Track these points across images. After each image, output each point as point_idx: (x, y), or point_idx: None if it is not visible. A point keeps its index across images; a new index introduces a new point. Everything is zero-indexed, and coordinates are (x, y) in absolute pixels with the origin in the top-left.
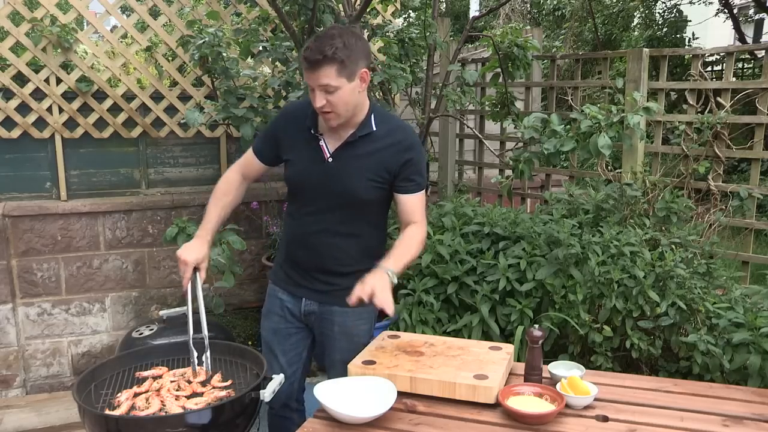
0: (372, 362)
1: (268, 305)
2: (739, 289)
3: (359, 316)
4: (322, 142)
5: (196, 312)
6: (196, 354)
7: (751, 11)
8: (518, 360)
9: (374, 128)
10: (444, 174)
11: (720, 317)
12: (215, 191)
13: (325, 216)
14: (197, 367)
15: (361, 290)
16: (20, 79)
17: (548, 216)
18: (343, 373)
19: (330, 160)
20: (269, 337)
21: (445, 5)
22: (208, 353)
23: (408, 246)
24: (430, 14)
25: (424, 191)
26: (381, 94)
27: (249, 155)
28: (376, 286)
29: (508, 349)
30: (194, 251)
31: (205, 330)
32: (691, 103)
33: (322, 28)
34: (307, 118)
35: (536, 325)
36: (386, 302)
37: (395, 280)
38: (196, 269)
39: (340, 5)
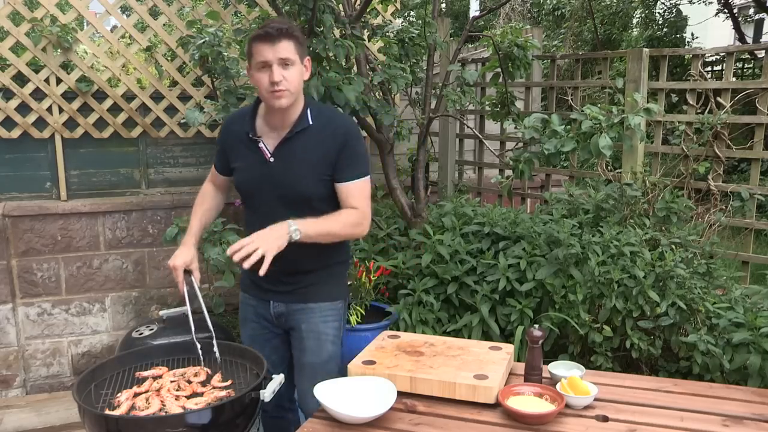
0: (372, 362)
1: (242, 313)
2: (739, 289)
3: (326, 313)
4: (261, 144)
5: (197, 312)
6: (200, 347)
7: (751, 11)
8: (518, 360)
9: (311, 122)
10: (444, 174)
11: (720, 317)
12: (194, 203)
13: (277, 217)
14: (200, 368)
15: (246, 241)
16: (20, 79)
17: (548, 216)
18: (311, 379)
19: (272, 160)
20: (248, 344)
21: (444, 5)
22: (216, 350)
23: (333, 218)
24: (430, 13)
25: (364, 180)
26: (381, 94)
27: (213, 169)
28: (264, 238)
29: (508, 349)
30: (181, 255)
31: (211, 327)
32: (691, 103)
33: (322, 29)
34: (245, 124)
35: (536, 325)
36: (265, 258)
37: (295, 237)
38: (189, 272)
39: (340, 5)
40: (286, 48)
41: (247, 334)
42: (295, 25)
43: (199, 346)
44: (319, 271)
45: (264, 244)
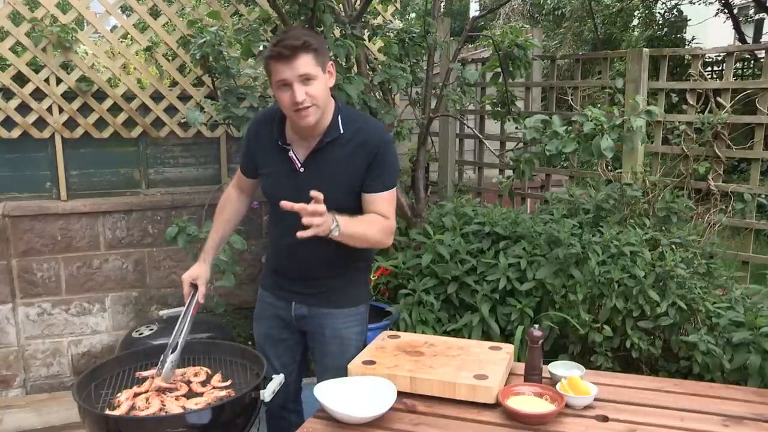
0: (372, 362)
1: (259, 310)
2: (739, 289)
3: (349, 318)
4: (291, 153)
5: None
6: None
7: (751, 11)
8: (518, 360)
9: (341, 131)
10: (444, 174)
11: (720, 317)
12: (216, 211)
13: (302, 228)
14: (200, 368)
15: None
16: (20, 79)
17: (549, 216)
18: (335, 378)
19: (302, 170)
20: (261, 342)
21: (444, 4)
22: (173, 356)
23: (368, 222)
24: (430, 11)
25: (392, 192)
26: (381, 94)
27: (239, 170)
28: (323, 220)
29: (508, 349)
30: (190, 270)
31: (178, 345)
32: (691, 103)
33: (322, 29)
34: (274, 130)
35: (536, 325)
36: (313, 230)
37: (336, 233)
38: (196, 286)
39: (341, 5)
40: (304, 63)
41: (260, 331)
42: (309, 36)
43: (161, 360)
44: (344, 274)
45: (321, 226)
